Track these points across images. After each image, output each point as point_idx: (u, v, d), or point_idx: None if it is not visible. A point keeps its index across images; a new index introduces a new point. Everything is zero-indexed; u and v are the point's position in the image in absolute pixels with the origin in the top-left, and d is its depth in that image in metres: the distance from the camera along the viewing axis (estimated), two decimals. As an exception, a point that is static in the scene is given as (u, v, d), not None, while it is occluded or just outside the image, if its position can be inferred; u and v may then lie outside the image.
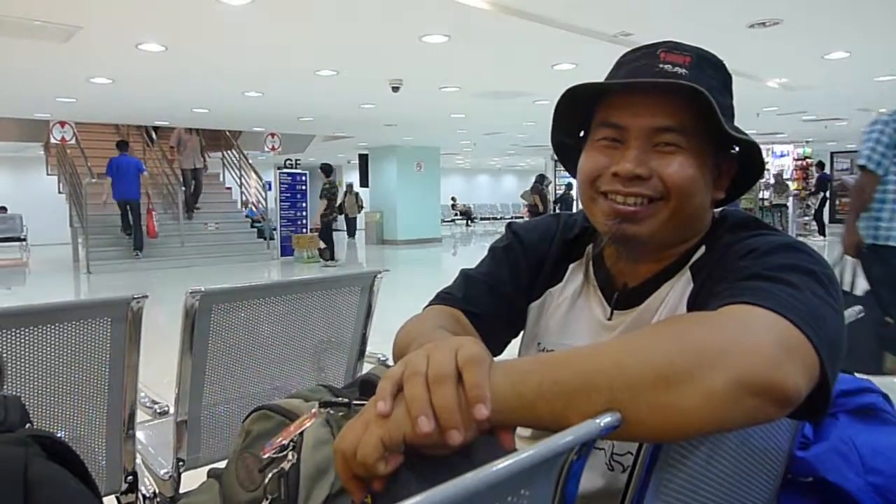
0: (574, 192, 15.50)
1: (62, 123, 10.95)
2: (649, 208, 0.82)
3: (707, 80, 0.83)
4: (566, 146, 0.94)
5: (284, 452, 0.70)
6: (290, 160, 12.59)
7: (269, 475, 0.69)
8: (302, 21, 5.13)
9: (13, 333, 1.29)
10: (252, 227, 13.09)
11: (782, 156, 16.48)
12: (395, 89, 7.73)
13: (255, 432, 0.79)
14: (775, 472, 1.08)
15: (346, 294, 1.93)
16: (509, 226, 1.04)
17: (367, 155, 16.60)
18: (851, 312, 1.04)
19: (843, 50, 6.32)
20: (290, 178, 12.81)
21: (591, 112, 0.89)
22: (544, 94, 8.53)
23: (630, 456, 0.89)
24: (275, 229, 12.72)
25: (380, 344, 1.95)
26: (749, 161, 0.90)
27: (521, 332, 1.02)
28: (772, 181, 14.90)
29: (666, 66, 0.82)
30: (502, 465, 0.46)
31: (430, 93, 8.37)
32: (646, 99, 0.82)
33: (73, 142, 11.31)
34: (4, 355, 1.29)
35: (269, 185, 14.31)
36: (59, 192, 12.62)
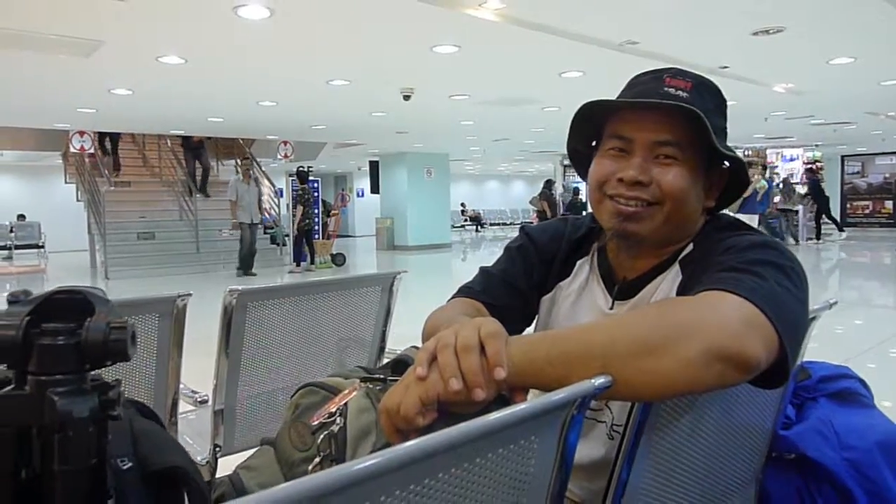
0: (582, 197, 15.63)
1: (81, 133, 11.19)
2: (648, 210, 0.96)
3: (704, 103, 0.96)
4: (580, 153, 1.09)
5: (332, 418, 0.84)
6: (302, 167, 12.78)
7: (321, 437, 0.83)
8: (316, 33, 5.30)
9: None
10: (265, 233, 13.28)
11: (792, 160, 16.53)
12: (407, 98, 7.90)
13: (304, 405, 0.93)
14: (759, 450, 1.21)
15: (367, 294, 2.07)
16: (523, 228, 1.18)
17: (377, 162, 16.79)
18: (824, 304, 1.16)
19: (847, 56, 6.42)
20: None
21: (603, 125, 1.02)
22: (552, 101, 8.67)
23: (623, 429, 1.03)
24: (287, 235, 12.89)
25: (394, 344, 2.09)
26: (737, 175, 1.04)
27: (534, 322, 1.16)
28: (780, 186, 14.92)
29: (669, 90, 0.96)
30: (517, 409, 0.60)
31: (440, 101, 8.53)
32: (650, 116, 0.96)
33: (91, 150, 11.55)
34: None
35: (281, 191, 14.52)
36: (78, 200, 12.85)
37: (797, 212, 14.73)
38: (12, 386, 0.55)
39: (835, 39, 5.83)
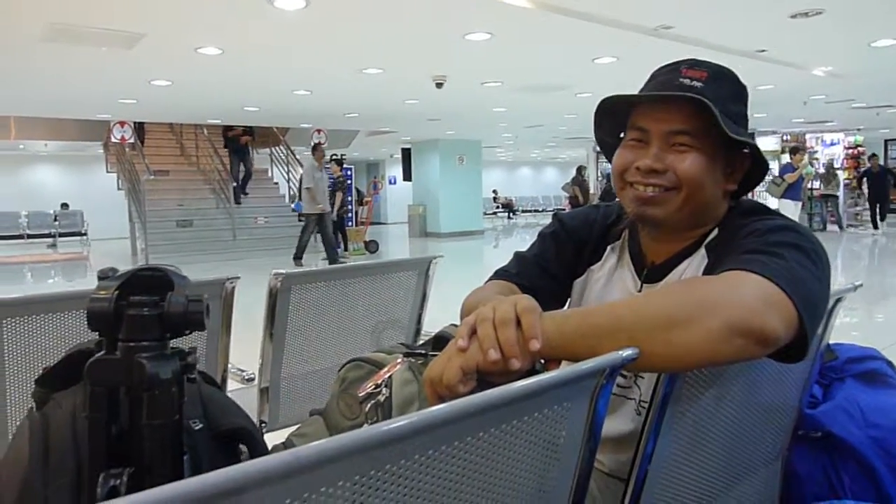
0: (615, 184, 15.48)
1: (122, 123, 11.48)
2: (665, 195, 1.01)
3: (719, 91, 1.00)
4: (607, 144, 1.14)
5: (378, 389, 0.91)
6: (336, 155, 12.94)
7: (368, 406, 0.90)
8: (351, 22, 5.37)
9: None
10: (299, 220, 13.48)
11: (832, 144, 16.13)
12: (439, 86, 7.94)
13: (350, 378, 1.01)
14: (784, 427, 1.25)
15: (404, 278, 2.14)
16: (556, 215, 1.24)
17: (409, 149, 16.87)
18: (849, 286, 1.19)
19: (889, 38, 6.26)
20: (335, 172, 13.14)
21: (627, 116, 1.07)
22: (585, 87, 8.62)
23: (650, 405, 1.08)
24: (320, 222, 13.08)
25: (429, 327, 2.16)
26: (759, 158, 1.07)
27: (566, 305, 1.22)
28: (821, 170, 14.57)
29: (685, 81, 1.01)
30: (550, 375, 0.66)
31: (472, 88, 8.55)
32: (665, 107, 1.01)
33: (131, 140, 11.85)
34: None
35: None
36: (119, 189, 13.19)
37: (838, 197, 14.38)
38: (104, 352, 0.62)
39: (877, 21, 5.70)
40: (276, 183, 14.56)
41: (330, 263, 9.50)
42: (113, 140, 12.07)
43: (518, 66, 7.23)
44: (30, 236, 16.74)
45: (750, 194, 1.14)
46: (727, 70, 1.07)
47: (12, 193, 17.51)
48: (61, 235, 16.77)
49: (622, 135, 1.11)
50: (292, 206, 14.09)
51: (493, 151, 21.21)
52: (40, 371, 1.14)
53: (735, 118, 1.01)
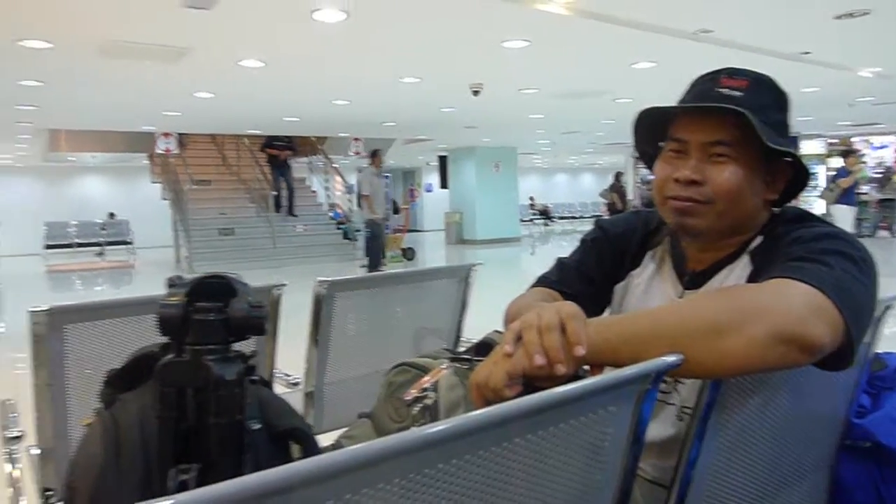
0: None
1: (166, 135, 11.80)
2: (703, 206, 1.01)
3: (759, 100, 1.01)
4: (647, 154, 1.15)
5: (425, 393, 0.94)
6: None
7: (416, 409, 0.93)
8: (389, 33, 5.44)
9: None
10: (338, 228, 13.65)
11: (882, 147, 15.67)
12: (476, 93, 7.98)
13: (397, 382, 1.04)
14: (830, 436, 1.24)
15: (445, 285, 2.16)
16: (597, 221, 1.25)
17: (446, 156, 16.94)
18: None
19: (940, 37, 6.09)
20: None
21: (666, 126, 1.08)
22: (623, 92, 8.57)
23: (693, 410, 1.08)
24: (358, 230, 13.22)
25: (468, 334, 2.18)
26: (801, 167, 1.07)
27: (607, 310, 1.23)
28: (875, 174, 14.09)
29: (724, 90, 1.01)
30: (595, 379, 0.68)
31: (509, 95, 8.57)
32: (702, 118, 1.01)
33: (175, 151, 12.17)
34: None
35: (353, 187, 14.89)
36: (163, 199, 13.54)
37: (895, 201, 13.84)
38: (173, 354, 0.66)
39: (926, 20, 5.55)
40: (315, 191, 14.77)
41: (370, 271, 9.48)
42: (157, 151, 12.41)
43: (555, 72, 7.23)
44: (79, 245, 17.27)
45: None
46: (767, 78, 1.07)
47: (62, 204, 18.11)
48: (108, 244, 17.27)
49: (661, 144, 1.12)
50: (330, 214, 14.29)
51: (529, 158, 21.17)
52: (100, 374, 1.20)
53: (776, 127, 1.01)
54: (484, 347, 1.00)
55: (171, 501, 0.40)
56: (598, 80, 7.78)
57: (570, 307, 0.80)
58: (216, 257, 11.43)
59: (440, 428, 0.61)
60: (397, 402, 0.99)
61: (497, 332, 1.05)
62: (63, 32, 5.10)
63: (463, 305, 2.20)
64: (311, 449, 0.79)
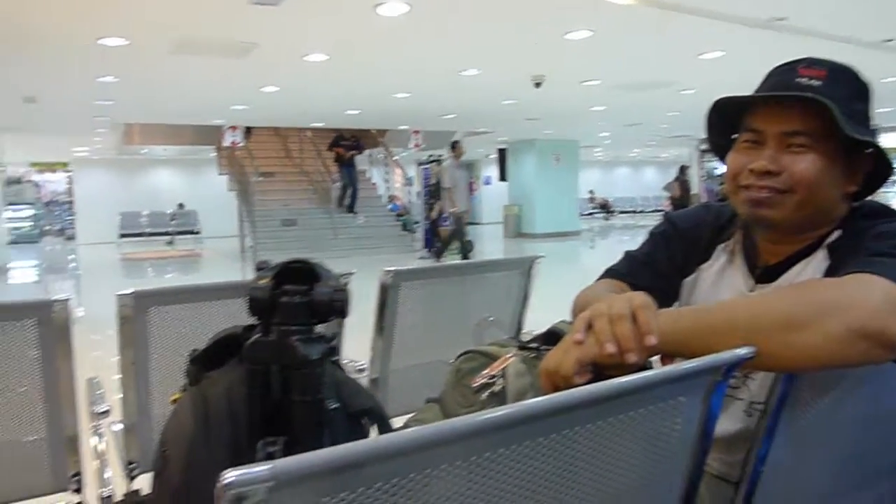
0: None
1: (233, 128, 12.17)
2: (779, 197, 0.99)
3: (839, 90, 0.98)
4: (720, 146, 1.13)
5: (494, 380, 0.96)
6: (433, 156, 13.20)
7: (484, 395, 0.95)
8: (450, 25, 5.47)
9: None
10: (397, 220, 13.81)
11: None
12: (538, 85, 7.92)
13: (465, 369, 1.06)
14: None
15: (507, 277, 2.18)
16: (666, 214, 1.25)
17: (505, 149, 16.88)
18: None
19: None
20: (431, 173, 13.37)
21: (740, 117, 1.07)
22: (689, 83, 8.36)
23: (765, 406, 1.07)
24: (417, 223, 13.34)
25: (529, 327, 2.19)
26: (883, 159, 1.04)
27: (675, 305, 1.22)
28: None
29: (802, 80, 0.99)
30: (666, 369, 0.68)
31: (571, 87, 8.48)
32: (780, 108, 0.99)
33: (241, 144, 12.53)
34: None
35: (411, 179, 15.03)
36: (230, 190, 13.97)
37: None
38: (260, 334, 0.70)
39: None
40: (375, 183, 14.96)
41: (463, 258, 9.21)
42: (224, 144, 12.81)
43: (619, 63, 7.11)
44: (150, 234, 18.02)
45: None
46: (847, 67, 1.04)
47: (135, 195, 18.88)
48: (178, 234, 17.97)
49: (735, 136, 1.10)
50: (389, 206, 14.46)
51: (590, 151, 20.87)
52: (179, 354, 1.27)
53: (856, 117, 0.98)
54: (551, 336, 1.01)
55: (269, 465, 0.44)
56: (663, 71, 7.61)
57: (642, 297, 0.81)
58: (279, 247, 11.72)
59: (507, 411, 0.63)
60: (465, 388, 1.01)
61: (564, 322, 1.06)
62: (139, 30, 5.32)
63: (525, 298, 2.21)
64: (383, 428, 0.82)
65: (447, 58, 6.66)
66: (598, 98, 9.56)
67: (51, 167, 19.39)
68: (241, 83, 7.76)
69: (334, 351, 0.70)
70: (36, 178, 19.80)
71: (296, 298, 0.68)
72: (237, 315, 1.37)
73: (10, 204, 16.30)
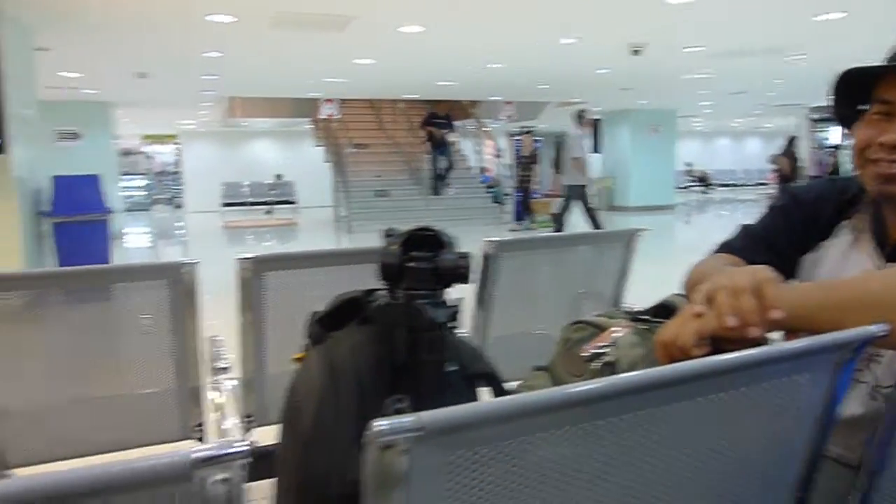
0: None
1: (329, 100, 12.47)
2: None
3: None
4: (847, 117, 1.08)
5: (605, 350, 0.97)
6: (526, 127, 13.09)
7: (596, 364, 0.96)
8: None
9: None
10: (487, 191, 13.82)
11: None
12: (636, 52, 7.66)
13: (575, 338, 1.07)
14: None
15: (607, 249, 2.16)
16: (785, 188, 1.20)
17: (599, 120, 16.45)
18: None
19: None
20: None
21: (870, 88, 1.01)
22: (801, 48, 7.83)
23: (892, 390, 1.02)
24: (507, 194, 13.30)
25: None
26: None
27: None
28: None
29: None
30: (793, 343, 0.67)
31: (671, 54, 8.14)
32: None
33: (337, 116, 12.84)
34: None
35: (502, 151, 14.96)
36: (325, 161, 14.38)
37: None
38: (388, 297, 0.74)
39: None
40: (465, 155, 14.99)
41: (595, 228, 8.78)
42: (320, 116, 13.16)
43: (724, 28, 6.75)
44: (251, 203, 18.86)
45: None
46: None
47: (236, 166, 19.75)
48: (276, 203, 18.71)
49: (862, 108, 1.04)
50: (479, 178, 14.47)
51: (687, 121, 20.01)
52: (293, 315, 1.34)
53: None
54: (664, 309, 1.00)
55: (415, 417, 0.47)
56: (774, 36, 7.16)
57: (766, 271, 0.79)
58: (372, 217, 11.98)
59: (627, 379, 0.64)
60: (575, 356, 1.02)
61: (677, 295, 1.05)
62: (243, 6, 5.52)
63: (624, 271, 2.19)
64: (499, 392, 0.85)
65: (543, 26, 6.54)
66: (700, 65, 9.13)
67: (160, 139, 20.53)
68: (338, 56, 7.92)
69: (456, 315, 0.73)
70: (147, 149, 21.03)
71: (423, 264, 0.71)
72: (347, 280, 1.44)
73: (124, 174, 17.40)
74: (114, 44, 6.88)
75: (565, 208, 9.27)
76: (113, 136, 12.51)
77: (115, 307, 1.64)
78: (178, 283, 1.53)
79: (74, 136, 11.18)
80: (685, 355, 0.78)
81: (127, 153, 19.02)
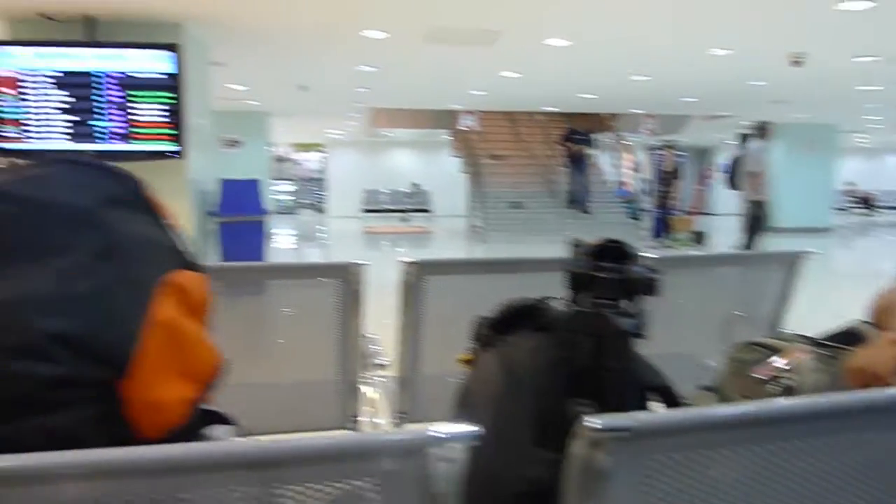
0: None
1: (469, 112, 12.72)
2: None
3: None
4: None
5: (783, 374, 0.94)
6: (668, 141, 12.64)
7: (775, 388, 0.94)
8: (701, 1, 5.18)
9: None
10: (624, 207, 13.48)
11: None
12: (797, 63, 7.18)
13: (746, 360, 1.05)
14: None
15: (765, 271, 2.06)
16: None
17: (748, 135, 15.55)
18: None
19: None
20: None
21: None
22: None
23: None
24: (644, 210, 12.90)
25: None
26: None
27: None
28: None
29: None
30: None
31: (837, 64, 7.56)
32: None
33: (476, 128, 13.08)
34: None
35: (640, 165, 14.53)
36: (462, 172, 14.66)
37: None
38: (577, 305, 0.77)
39: None
40: (602, 169, 14.71)
41: (746, 248, 8.47)
42: (459, 128, 13.44)
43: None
44: (388, 210, 19.61)
45: None
46: None
47: (376, 174, 20.62)
48: (412, 211, 19.33)
49: None
50: (616, 192, 14.14)
51: (848, 137, 18.43)
52: (451, 319, 1.40)
53: None
54: (849, 336, 0.96)
55: (629, 417, 0.50)
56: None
57: None
58: (506, 229, 12.06)
59: (822, 401, 0.63)
60: (747, 378, 1.00)
61: (863, 322, 1.00)
62: (398, 22, 5.79)
63: (785, 295, 2.07)
64: (673, 407, 0.85)
65: (695, 37, 6.32)
66: (872, 76, 8.40)
67: (308, 147, 21.85)
68: (482, 69, 8.08)
69: (641, 327, 0.75)
70: (295, 156, 22.44)
71: (613, 275, 0.74)
72: (505, 287, 1.48)
73: (275, 179, 18.67)
74: (278, 59, 7.44)
75: (751, 227, 8.59)
76: (268, 143, 13.49)
77: (287, 300, 1.79)
78: (346, 283, 1.64)
79: (236, 142, 12.17)
80: (881, 382, 0.75)
81: (278, 160, 20.40)
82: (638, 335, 0.75)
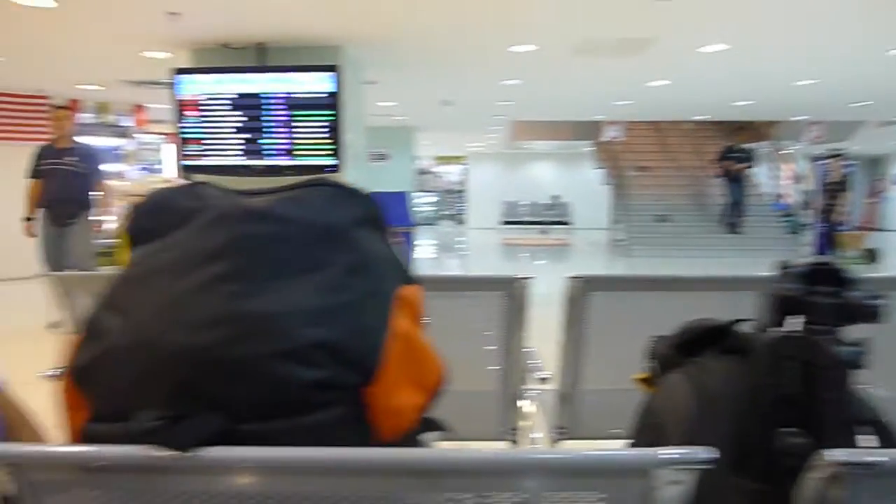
0: None
1: (613, 123, 12.45)
2: None
3: None
4: None
5: None
6: (834, 150, 11.61)
7: None
8: None
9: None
10: (782, 220, 12.56)
11: None
12: None
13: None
14: None
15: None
16: None
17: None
18: None
19: None
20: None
21: None
22: None
23: None
24: (805, 225, 11.93)
25: None
26: None
27: None
28: None
29: None
30: None
31: None
32: None
33: (621, 139, 12.77)
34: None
35: (801, 176, 13.47)
36: (604, 184, 14.35)
37: None
38: (786, 329, 0.74)
39: None
40: (757, 181, 13.81)
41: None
42: (603, 139, 13.17)
43: None
44: (527, 223, 19.59)
45: None
46: None
47: (515, 186, 20.69)
48: (551, 223, 19.18)
49: None
50: (773, 205, 13.21)
51: None
52: (616, 337, 1.37)
53: None
54: None
55: (875, 455, 0.47)
56: None
57: None
58: (650, 243, 11.65)
59: None
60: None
61: None
62: (546, 36, 5.79)
63: None
64: (886, 444, 0.79)
65: (870, 36, 5.78)
66: None
67: (449, 160, 22.35)
68: (630, 79, 7.88)
69: (860, 356, 0.70)
70: (437, 169, 23.03)
71: (828, 299, 0.70)
72: (678, 308, 1.43)
73: (418, 191, 19.25)
74: (425, 75, 7.70)
75: None
76: (413, 157, 13.96)
77: (453, 312, 1.85)
78: (511, 296, 1.67)
79: (383, 156, 12.72)
80: None
81: (421, 172, 21.04)
82: (856, 366, 0.70)
